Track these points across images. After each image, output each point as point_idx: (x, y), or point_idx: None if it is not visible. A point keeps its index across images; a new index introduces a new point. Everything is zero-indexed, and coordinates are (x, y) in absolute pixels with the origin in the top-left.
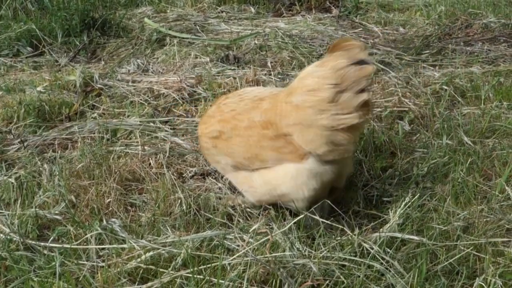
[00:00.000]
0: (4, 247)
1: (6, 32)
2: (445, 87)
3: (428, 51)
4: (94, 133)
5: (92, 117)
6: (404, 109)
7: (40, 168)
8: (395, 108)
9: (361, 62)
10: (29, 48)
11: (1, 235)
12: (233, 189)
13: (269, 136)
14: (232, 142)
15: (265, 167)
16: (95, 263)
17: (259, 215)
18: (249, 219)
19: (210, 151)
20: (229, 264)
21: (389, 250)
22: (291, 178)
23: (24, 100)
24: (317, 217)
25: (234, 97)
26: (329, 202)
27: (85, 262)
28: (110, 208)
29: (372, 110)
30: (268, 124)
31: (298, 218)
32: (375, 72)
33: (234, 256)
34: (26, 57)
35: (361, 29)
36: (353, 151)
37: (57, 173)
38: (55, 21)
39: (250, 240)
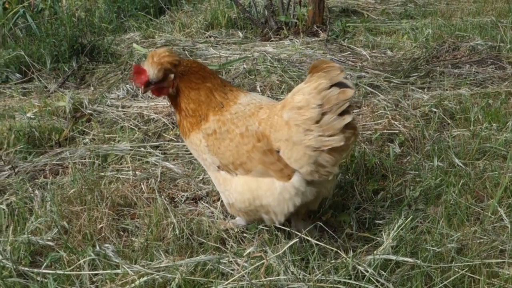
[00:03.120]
0: None
1: None
2: (434, 109)
3: (416, 74)
4: (85, 159)
5: (83, 143)
6: (394, 131)
7: (32, 194)
8: (385, 131)
9: (341, 84)
10: (18, 75)
11: None
12: (225, 213)
13: (262, 149)
14: (224, 144)
15: (247, 175)
16: None
17: (252, 238)
18: (242, 243)
19: (199, 147)
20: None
21: (383, 273)
22: (277, 193)
23: (14, 126)
24: (312, 239)
25: (246, 97)
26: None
27: None
28: (103, 234)
29: (359, 133)
30: (263, 136)
31: (292, 242)
32: (364, 95)
33: (229, 281)
34: (15, 84)
35: (349, 52)
36: (336, 174)
37: (49, 199)
38: (44, 47)
39: (245, 264)
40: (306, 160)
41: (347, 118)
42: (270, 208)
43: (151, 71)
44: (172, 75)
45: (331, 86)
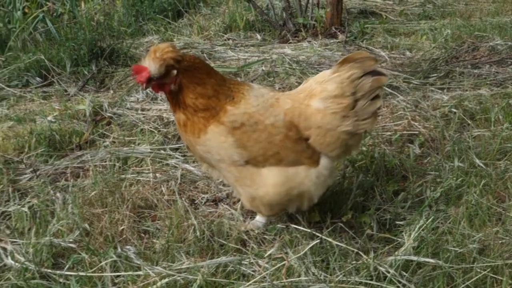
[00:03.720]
0: (20, 276)
1: (15, 63)
2: (454, 110)
3: (435, 75)
4: (105, 161)
5: (103, 146)
6: (414, 132)
7: (53, 197)
8: (404, 132)
9: (374, 73)
10: (38, 79)
11: (17, 264)
12: (245, 214)
13: (293, 138)
14: (253, 136)
15: (277, 166)
16: None
17: (273, 240)
18: (263, 244)
19: (224, 143)
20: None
21: (405, 274)
22: (315, 178)
23: (35, 129)
24: (331, 240)
25: (252, 88)
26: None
27: None
28: (124, 236)
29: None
30: (292, 125)
31: (313, 243)
32: (383, 96)
33: (251, 282)
34: (36, 87)
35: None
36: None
37: (71, 201)
38: (64, 51)
39: (266, 265)
40: (339, 143)
41: (378, 103)
42: (308, 194)
43: (152, 66)
44: (174, 71)
45: (363, 75)
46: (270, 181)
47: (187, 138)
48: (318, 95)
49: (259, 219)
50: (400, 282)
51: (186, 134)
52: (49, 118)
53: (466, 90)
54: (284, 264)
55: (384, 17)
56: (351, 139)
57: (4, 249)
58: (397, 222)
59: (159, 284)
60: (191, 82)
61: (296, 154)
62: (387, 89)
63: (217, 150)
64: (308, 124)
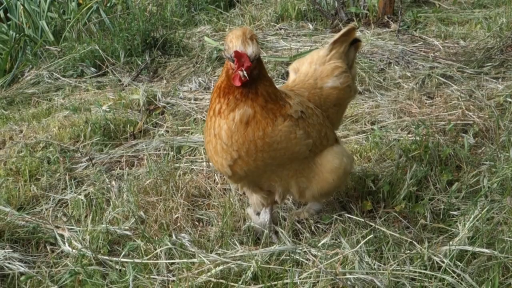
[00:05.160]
0: (77, 262)
1: (70, 53)
2: (509, 100)
3: (490, 64)
4: (159, 150)
5: (158, 135)
6: (468, 122)
7: (109, 185)
8: (458, 122)
9: (353, 41)
10: (92, 69)
11: (74, 250)
12: (297, 204)
13: (325, 117)
14: (311, 121)
15: (325, 149)
16: (166, 278)
17: (326, 229)
18: (316, 233)
19: (294, 139)
20: (299, 278)
21: (459, 264)
22: (347, 153)
23: (90, 119)
24: (385, 230)
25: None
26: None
27: (156, 277)
28: (178, 224)
29: None
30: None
31: (367, 230)
32: (436, 85)
33: (308, 273)
34: (90, 77)
35: (421, 43)
36: None
37: (126, 189)
38: (118, 41)
39: (320, 253)
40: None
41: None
42: (350, 169)
43: (250, 49)
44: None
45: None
46: (328, 166)
47: (247, 139)
48: (331, 74)
49: (313, 206)
50: (454, 272)
51: (246, 133)
52: (104, 107)
53: None
54: (337, 253)
55: (438, 6)
56: None
57: (62, 236)
58: (451, 212)
59: (213, 271)
60: (262, 68)
61: (332, 133)
62: (441, 78)
63: (285, 144)
64: (329, 103)
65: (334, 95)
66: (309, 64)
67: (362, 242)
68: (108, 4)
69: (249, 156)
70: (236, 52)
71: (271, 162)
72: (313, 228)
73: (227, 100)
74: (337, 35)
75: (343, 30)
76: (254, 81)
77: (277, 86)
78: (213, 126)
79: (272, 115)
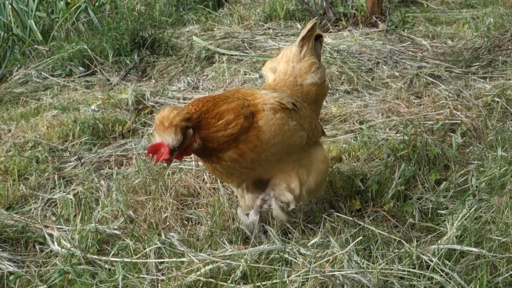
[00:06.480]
0: (66, 261)
1: (59, 52)
2: (497, 99)
3: (478, 64)
4: None
5: (146, 134)
6: (456, 121)
7: (97, 185)
8: (446, 121)
9: (316, 36)
10: (81, 68)
11: (63, 249)
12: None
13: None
14: (302, 114)
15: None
16: (155, 277)
17: (315, 229)
18: (305, 232)
19: (288, 131)
20: (288, 277)
21: (448, 262)
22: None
23: (79, 118)
24: (373, 229)
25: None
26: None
27: (146, 276)
28: (168, 223)
29: None
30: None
31: (356, 229)
32: (424, 85)
33: (299, 273)
34: (79, 77)
35: (409, 42)
36: None
37: (115, 189)
38: (106, 41)
39: (309, 253)
40: None
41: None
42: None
43: (169, 138)
44: (190, 130)
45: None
46: (320, 156)
47: (248, 159)
48: (309, 71)
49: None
50: (443, 271)
51: (245, 159)
52: (93, 107)
53: (509, 79)
54: (327, 253)
55: (425, 5)
56: None
57: (51, 235)
58: (439, 211)
59: (202, 270)
60: (209, 126)
61: (320, 125)
62: (429, 78)
63: (281, 137)
64: (307, 101)
65: (313, 91)
66: (286, 63)
67: (352, 244)
68: (97, 4)
69: (254, 163)
70: (149, 147)
71: (272, 159)
72: (302, 227)
73: (203, 161)
74: (303, 32)
75: (307, 26)
76: (204, 146)
77: (258, 87)
78: (207, 166)
79: (250, 127)
